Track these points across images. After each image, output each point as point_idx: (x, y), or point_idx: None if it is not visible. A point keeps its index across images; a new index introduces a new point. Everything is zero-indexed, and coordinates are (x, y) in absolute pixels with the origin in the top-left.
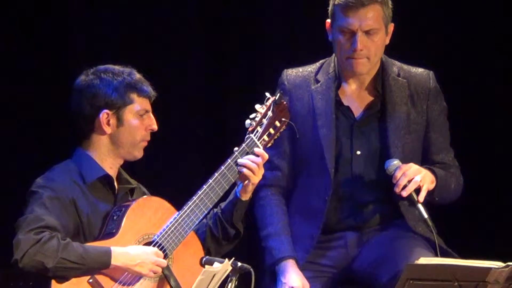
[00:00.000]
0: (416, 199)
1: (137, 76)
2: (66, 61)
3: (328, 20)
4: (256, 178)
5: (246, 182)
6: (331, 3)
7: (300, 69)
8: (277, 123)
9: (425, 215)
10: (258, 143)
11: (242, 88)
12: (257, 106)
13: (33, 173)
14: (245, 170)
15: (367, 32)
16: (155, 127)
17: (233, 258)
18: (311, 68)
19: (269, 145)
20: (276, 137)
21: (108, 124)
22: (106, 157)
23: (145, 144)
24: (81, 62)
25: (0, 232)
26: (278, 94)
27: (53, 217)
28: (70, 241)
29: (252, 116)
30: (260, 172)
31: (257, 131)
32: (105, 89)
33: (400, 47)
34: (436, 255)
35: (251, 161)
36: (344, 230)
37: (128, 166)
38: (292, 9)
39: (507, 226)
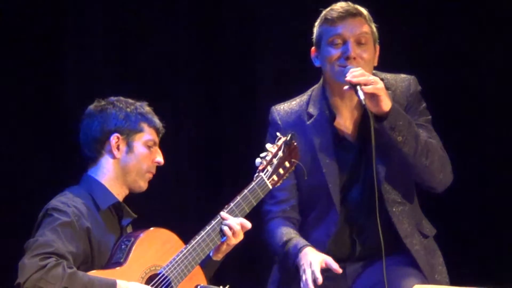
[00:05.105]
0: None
1: (148, 108)
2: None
3: (313, 48)
4: (235, 240)
5: (224, 239)
6: (316, 27)
7: (288, 104)
8: (287, 164)
9: (362, 97)
10: (267, 182)
11: (235, 132)
12: (268, 146)
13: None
14: (225, 229)
15: (358, 42)
16: (161, 161)
17: (228, 286)
18: (300, 101)
19: (278, 184)
20: (285, 177)
21: (117, 148)
22: (114, 183)
23: (150, 176)
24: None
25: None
26: (290, 135)
27: (63, 244)
28: (76, 270)
29: (262, 155)
30: (240, 236)
31: (267, 171)
32: (117, 114)
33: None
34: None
35: (237, 224)
36: (344, 261)
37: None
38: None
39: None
